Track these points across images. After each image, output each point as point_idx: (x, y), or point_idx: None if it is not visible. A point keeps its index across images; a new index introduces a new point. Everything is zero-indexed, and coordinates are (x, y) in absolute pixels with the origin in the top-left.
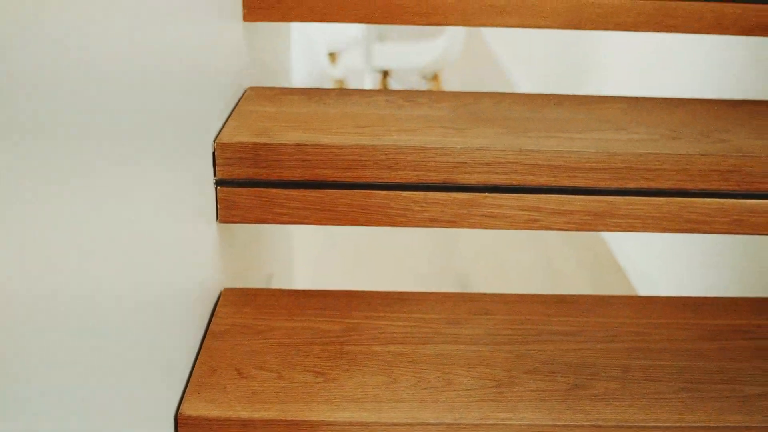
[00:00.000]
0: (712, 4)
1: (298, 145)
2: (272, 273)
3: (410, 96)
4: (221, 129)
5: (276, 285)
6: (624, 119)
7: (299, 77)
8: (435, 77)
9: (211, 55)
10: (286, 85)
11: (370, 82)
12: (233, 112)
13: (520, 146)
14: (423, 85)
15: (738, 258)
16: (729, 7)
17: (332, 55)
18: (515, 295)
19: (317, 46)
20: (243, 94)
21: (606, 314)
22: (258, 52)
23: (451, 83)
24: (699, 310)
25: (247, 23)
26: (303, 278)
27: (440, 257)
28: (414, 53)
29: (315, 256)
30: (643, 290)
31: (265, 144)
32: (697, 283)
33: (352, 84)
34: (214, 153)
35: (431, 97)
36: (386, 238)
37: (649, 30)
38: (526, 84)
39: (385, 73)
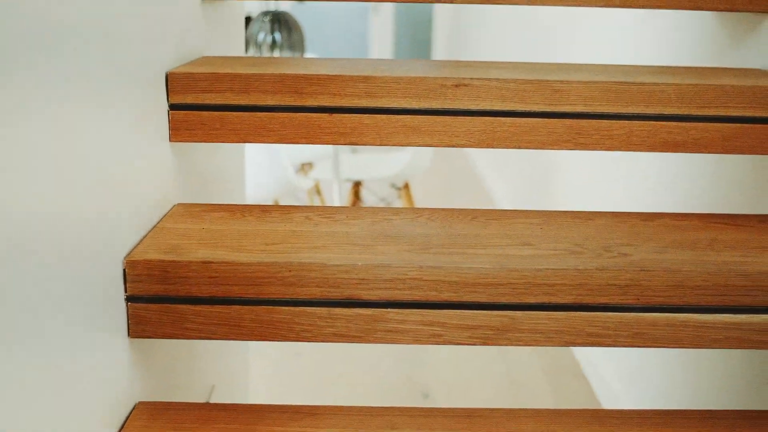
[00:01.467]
0: (621, 122)
1: (205, 262)
2: (213, 385)
3: (329, 213)
4: (136, 245)
5: (220, 398)
6: (532, 234)
7: (261, 191)
8: (406, 186)
9: (129, 173)
10: (230, 201)
11: (340, 193)
12: (153, 229)
13: (421, 263)
14: (394, 194)
15: (692, 372)
16: (638, 125)
17: (306, 166)
18: (425, 409)
19: (283, 159)
20: (169, 211)
21: (513, 429)
22: (194, 169)
23: (425, 190)
24: (607, 422)
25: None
26: (262, 390)
27: (404, 367)
28: (382, 164)
29: (274, 367)
30: (606, 400)
31: (173, 261)
32: (657, 397)
33: (327, 195)
34: (124, 270)
35: (349, 213)
36: (350, 346)
37: (560, 148)
38: (501, 190)
39: (357, 184)
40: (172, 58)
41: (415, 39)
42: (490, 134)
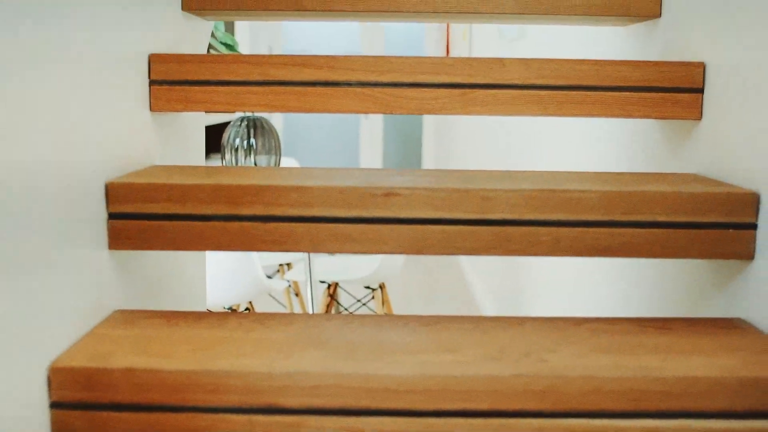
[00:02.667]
0: (548, 229)
1: (129, 369)
2: None
3: (262, 319)
4: (64, 352)
5: None
6: (459, 340)
7: (233, 294)
8: (381, 287)
9: (61, 281)
10: (188, 305)
11: (312, 295)
12: (87, 335)
13: (341, 370)
14: (369, 296)
15: None
16: (564, 231)
17: (285, 266)
18: None
19: (254, 261)
20: (107, 317)
21: None
22: (140, 275)
23: (406, 287)
24: None
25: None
26: None
27: None
28: (354, 266)
29: None
30: None
31: (98, 368)
32: None
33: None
34: (49, 377)
35: (282, 320)
36: None
37: (488, 254)
38: (481, 287)
39: (334, 285)
40: (114, 168)
41: (405, 145)
42: (420, 242)
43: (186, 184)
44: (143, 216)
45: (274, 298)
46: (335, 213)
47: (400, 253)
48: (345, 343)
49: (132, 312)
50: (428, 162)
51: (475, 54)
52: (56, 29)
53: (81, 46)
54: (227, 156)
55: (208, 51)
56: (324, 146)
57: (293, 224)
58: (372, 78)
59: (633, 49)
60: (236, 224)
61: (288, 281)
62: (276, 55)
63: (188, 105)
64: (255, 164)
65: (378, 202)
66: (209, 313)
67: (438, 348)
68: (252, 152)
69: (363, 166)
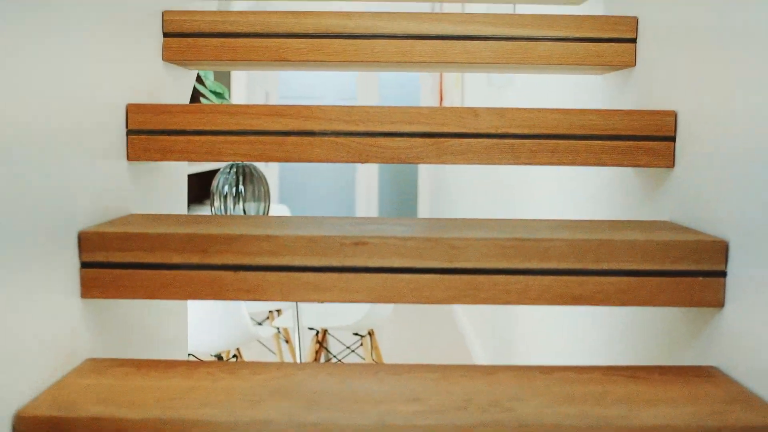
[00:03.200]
0: (518, 277)
1: (94, 418)
2: None
3: (232, 368)
4: (32, 400)
5: None
6: (427, 389)
7: (220, 341)
8: (370, 334)
9: (31, 328)
10: (168, 353)
11: (300, 342)
12: (55, 384)
13: (302, 419)
14: (358, 343)
15: None
16: (533, 280)
17: (275, 312)
18: None
19: (241, 308)
20: (78, 365)
21: None
22: (115, 323)
23: (397, 337)
24: None
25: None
26: None
27: None
28: (343, 312)
29: None
30: None
31: (63, 417)
32: None
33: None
34: (13, 425)
35: (253, 369)
36: None
37: (459, 302)
38: (474, 332)
39: (323, 332)
40: (89, 217)
41: (402, 192)
42: (390, 290)
43: (157, 233)
44: (115, 265)
45: (263, 344)
46: (305, 262)
47: (371, 301)
48: (312, 392)
49: (103, 360)
50: (424, 209)
51: (468, 100)
52: (33, 76)
53: (60, 109)
54: (216, 203)
55: (198, 99)
56: (320, 193)
57: (263, 273)
58: (347, 128)
59: (611, 96)
60: (206, 273)
61: (277, 328)
62: (252, 105)
63: (165, 155)
64: (244, 211)
65: (347, 251)
66: (180, 362)
67: (404, 397)
68: (241, 199)
69: (359, 212)
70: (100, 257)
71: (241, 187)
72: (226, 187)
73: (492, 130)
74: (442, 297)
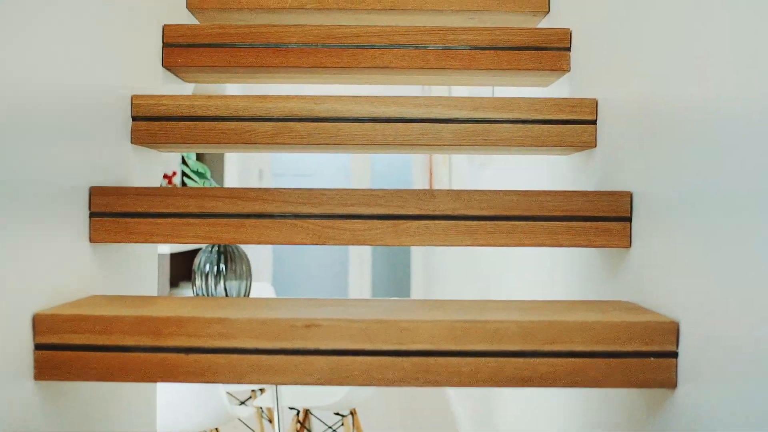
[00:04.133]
0: (468, 359)
1: None
2: None
3: None
4: None
5: None
6: None
7: (195, 421)
8: (353, 413)
9: None
10: None
11: (280, 423)
12: None
13: None
14: (339, 423)
15: None
16: (484, 362)
17: (258, 391)
18: None
19: (216, 387)
20: None
21: None
22: (74, 406)
23: (384, 415)
24: None
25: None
26: None
27: None
28: (324, 391)
29: None
30: None
31: None
32: None
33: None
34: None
35: None
36: None
37: (409, 385)
38: (463, 415)
39: (305, 411)
40: (47, 298)
41: (395, 271)
42: (341, 372)
43: (110, 315)
44: (68, 347)
45: (246, 424)
46: (257, 344)
47: (322, 384)
48: None
49: None
50: (417, 288)
51: (455, 177)
52: None
53: (17, 182)
54: (198, 282)
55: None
56: (313, 271)
57: (215, 356)
58: (305, 210)
59: (577, 176)
60: (159, 355)
61: (261, 408)
62: (212, 188)
63: (126, 237)
64: (225, 290)
65: (299, 333)
66: None
67: None
68: (222, 278)
69: (351, 290)
70: (53, 339)
71: (222, 265)
72: (208, 266)
73: (449, 212)
74: (393, 379)
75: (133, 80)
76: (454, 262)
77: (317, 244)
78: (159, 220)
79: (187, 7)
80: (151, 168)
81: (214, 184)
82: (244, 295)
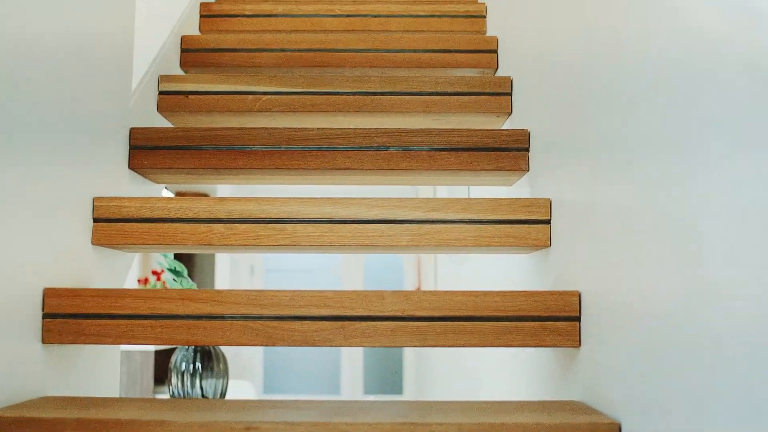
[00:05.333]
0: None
1: None
2: None
3: None
4: None
5: None
6: None
7: None
8: None
9: None
10: None
11: None
12: None
13: None
14: None
15: None
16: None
17: None
18: None
19: None
20: None
21: None
22: None
23: None
24: None
25: None
26: None
27: None
28: None
29: None
30: None
31: None
32: None
33: None
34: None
35: None
36: None
37: None
38: None
39: None
40: None
41: (387, 369)
42: None
43: (52, 418)
44: None
45: None
46: None
47: None
48: None
49: None
50: (409, 383)
51: (440, 274)
52: None
53: None
54: (174, 380)
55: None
56: (304, 367)
57: None
58: (255, 311)
59: (536, 275)
60: None
61: None
62: (164, 290)
63: (78, 338)
64: (202, 388)
65: None
66: None
67: None
68: (199, 376)
69: (343, 388)
70: None
71: (198, 364)
72: (184, 365)
73: (398, 313)
74: None
75: (98, 182)
76: (442, 357)
77: (267, 345)
78: (110, 322)
79: (158, 110)
80: (116, 268)
81: (191, 283)
82: (221, 395)
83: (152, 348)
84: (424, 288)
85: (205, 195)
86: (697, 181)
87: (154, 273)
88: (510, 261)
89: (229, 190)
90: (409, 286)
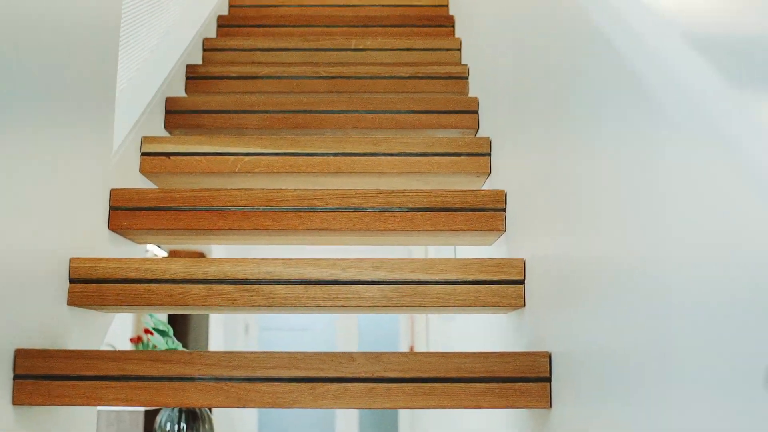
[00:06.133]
0: None
1: None
2: None
3: None
4: None
5: None
6: None
7: None
8: None
9: None
10: None
11: None
12: None
13: None
14: None
15: None
16: None
17: None
18: None
19: None
20: None
21: None
22: None
23: None
24: None
25: None
26: None
27: None
28: None
29: None
30: None
31: None
32: None
33: None
34: None
35: None
36: None
37: None
38: None
39: None
40: None
41: (382, 430)
42: None
43: None
44: None
45: None
46: None
47: None
48: None
49: None
50: None
51: (432, 330)
52: None
53: None
54: None
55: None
56: (299, 428)
57: None
58: (225, 373)
59: (513, 335)
60: None
61: None
62: (134, 351)
63: (49, 399)
64: None
65: None
66: None
67: None
68: None
69: None
70: None
71: (183, 424)
72: (168, 425)
73: (368, 374)
74: None
75: (77, 243)
76: (436, 414)
77: (237, 407)
78: (80, 383)
79: (140, 171)
80: (93, 328)
81: (176, 343)
82: None
83: (141, 408)
84: (417, 346)
85: (201, 253)
86: (655, 241)
87: (147, 332)
88: (492, 320)
89: (224, 249)
90: (403, 343)
